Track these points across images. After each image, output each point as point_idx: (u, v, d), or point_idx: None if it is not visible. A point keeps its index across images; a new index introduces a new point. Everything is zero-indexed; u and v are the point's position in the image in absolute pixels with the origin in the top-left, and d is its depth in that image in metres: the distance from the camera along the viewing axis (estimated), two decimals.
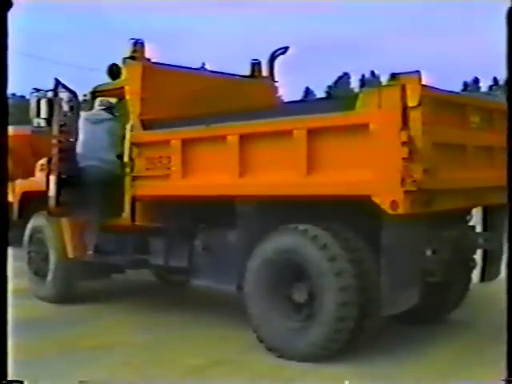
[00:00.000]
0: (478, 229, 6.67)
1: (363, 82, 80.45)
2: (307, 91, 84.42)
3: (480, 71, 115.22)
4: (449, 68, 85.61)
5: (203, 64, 8.56)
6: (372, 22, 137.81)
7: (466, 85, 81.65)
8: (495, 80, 78.90)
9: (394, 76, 5.19)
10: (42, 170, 8.97)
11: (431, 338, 6.27)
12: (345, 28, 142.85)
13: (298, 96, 67.35)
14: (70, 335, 6.74)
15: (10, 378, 3.85)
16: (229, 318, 7.02)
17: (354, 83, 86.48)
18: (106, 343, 6.36)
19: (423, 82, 5.04)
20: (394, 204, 4.98)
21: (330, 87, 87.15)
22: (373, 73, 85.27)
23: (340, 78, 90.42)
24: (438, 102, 5.33)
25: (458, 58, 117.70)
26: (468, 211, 6.56)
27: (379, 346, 5.85)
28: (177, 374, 5.33)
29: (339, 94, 61.48)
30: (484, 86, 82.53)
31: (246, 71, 8.45)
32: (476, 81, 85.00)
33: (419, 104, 4.94)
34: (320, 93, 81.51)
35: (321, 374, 5.29)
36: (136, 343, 6.37)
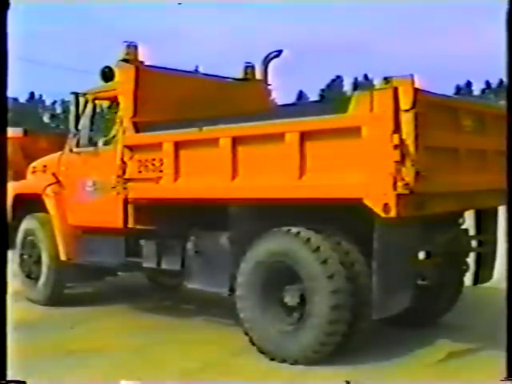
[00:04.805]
0: (471, 232, 6.68)
1: (356, 86, 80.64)
2: (300, 94, 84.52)
3: (472, 75, 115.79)
4: (442, 71, 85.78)
5: (197, 67, 8.56)
6: (366, 26, 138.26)
7: (458, 88, 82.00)
8: (488, 84, 79.37)
9: (386, 79, 5.19)
10: (33, 172, 8.95)
11: (424, 340, 6.26)
12: (338, 31, 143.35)
13: (291, 99, 67.47)
14: (62, 338, 6.71)
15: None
16: (223, 320, 7.01)
17: (347, 86, 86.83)
18: (96, 346, 6.32)
19: (416, 86, 5.04)
20: (386, 207, 4.97)
21: (323, 90, 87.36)
22: (366, 76, 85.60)
23: (333, 81, 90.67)
24: (430, 105, 5.32)
25: (450, 61, 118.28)
26: (461, 214, 6.56)
27: (371, 349, 5.83)
28: (171, 377, 5.32)
29: (332, 97, 61.59)
30: (477, 89, 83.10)
31: (240, 74, 8.44)
32: (468, 84, 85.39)
33: (412, 107, 4.93)
34: (313, 96, 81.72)
35: (314, 376, 5.29)
36: (128, 346, 6.33)
